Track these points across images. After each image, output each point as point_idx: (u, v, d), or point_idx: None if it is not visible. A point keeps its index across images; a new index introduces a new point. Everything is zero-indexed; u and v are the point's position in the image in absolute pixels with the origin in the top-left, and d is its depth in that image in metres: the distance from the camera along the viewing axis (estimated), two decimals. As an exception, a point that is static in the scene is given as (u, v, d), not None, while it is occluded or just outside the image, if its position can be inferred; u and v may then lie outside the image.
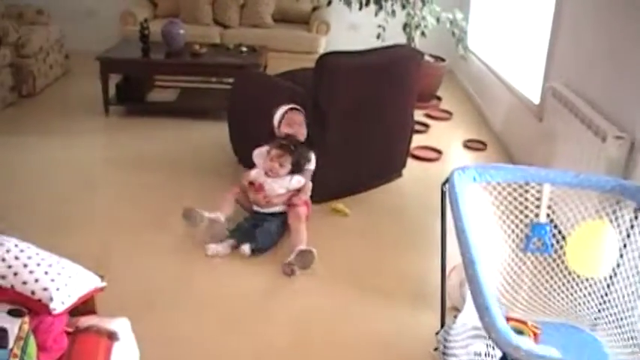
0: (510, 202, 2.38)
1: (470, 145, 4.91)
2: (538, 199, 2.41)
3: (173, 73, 5.40)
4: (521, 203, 2.39)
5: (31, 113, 5.20)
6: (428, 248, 3.43)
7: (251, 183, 3.45)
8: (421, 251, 3.40)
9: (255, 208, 3.47)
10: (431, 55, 5.85)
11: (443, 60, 5.84)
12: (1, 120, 4.96)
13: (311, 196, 3.52)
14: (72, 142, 4.63)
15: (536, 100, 4.18)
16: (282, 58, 6.09)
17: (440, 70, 5.69)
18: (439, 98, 5.89)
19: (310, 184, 3.48)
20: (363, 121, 3.75)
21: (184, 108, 5.28)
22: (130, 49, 5.31)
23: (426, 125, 5.21)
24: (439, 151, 4.70)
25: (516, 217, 2.40)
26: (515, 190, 2.38)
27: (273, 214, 3.41)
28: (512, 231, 2.41)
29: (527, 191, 2.41)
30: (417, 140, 4.24)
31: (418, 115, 4.15)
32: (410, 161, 4.31)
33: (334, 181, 3.77)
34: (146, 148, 4.60)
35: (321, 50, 6.34)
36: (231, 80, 4.43)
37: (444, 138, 5.09)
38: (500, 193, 2.37)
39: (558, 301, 2.50)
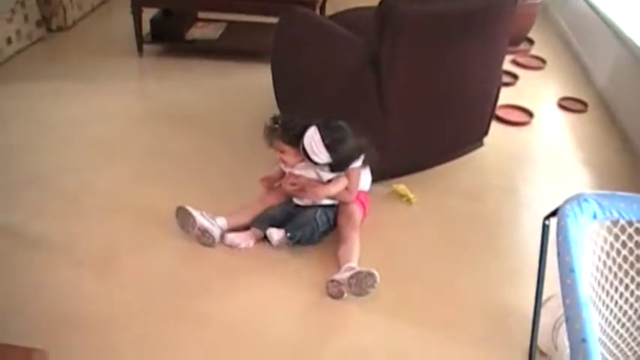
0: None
1: (566, 105, 4.02)
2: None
3: (213, 9, 4.60)
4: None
5: (58, 52, 4.59)
6: (511, 257, 2.70)
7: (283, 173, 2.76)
8: (503, 262, 2.67)
9: (295, 200, 2.72)
10: (523, -12, 4.89)
11: (538, -5, 4.86)
12: (25, 60, 4.36)
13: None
14: (97, 89, 4.00)
15: (661, 58, 3.29)
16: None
17: (534, 9, 4.71)
18: (531, 41, 4.95)
19: (358, 177, 2.68)
20: (437, 81, 2.96)
21: (229, 47, 4.54)
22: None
23: (514, 76, 4.33)
24: (530, 113, 3.84)
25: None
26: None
27: (318, 206, 2.65)
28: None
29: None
30: (503, 95, 3.41)
31: (504, 62, 3.34)
32: (493, 124, 3.46)
33: (397, 156, 2.97)
34: (181, 97, 3.95)
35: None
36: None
37: (535, 93, 4.21)
38: (631, 236, 1.62)
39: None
